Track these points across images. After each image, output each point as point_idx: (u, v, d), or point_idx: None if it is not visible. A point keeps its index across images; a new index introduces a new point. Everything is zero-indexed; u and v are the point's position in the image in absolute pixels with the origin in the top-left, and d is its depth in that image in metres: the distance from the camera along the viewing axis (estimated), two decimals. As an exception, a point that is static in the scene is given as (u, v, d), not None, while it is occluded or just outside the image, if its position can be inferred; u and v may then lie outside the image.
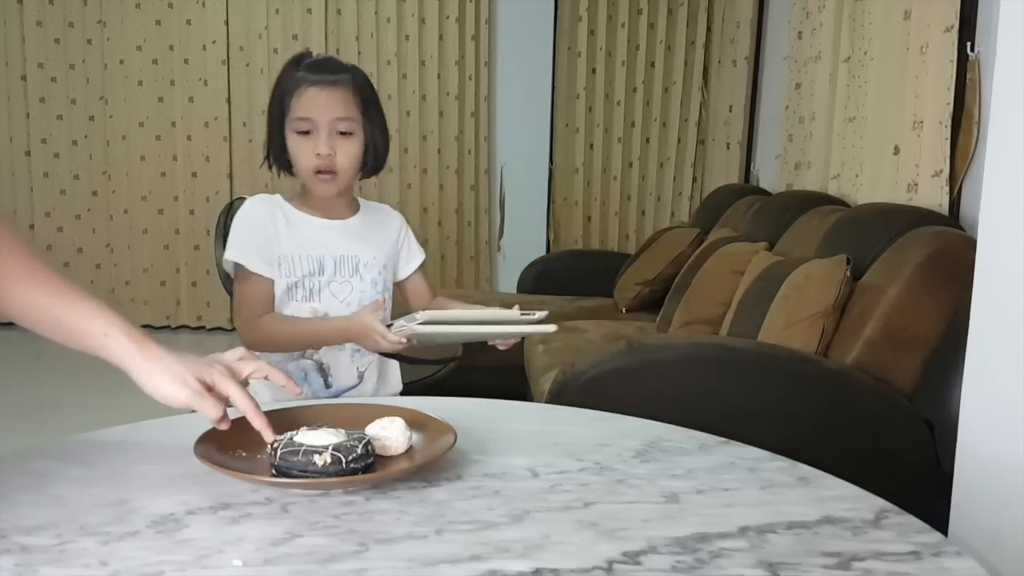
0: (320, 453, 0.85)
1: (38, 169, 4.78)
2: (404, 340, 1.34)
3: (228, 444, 0.93)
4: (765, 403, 1.90)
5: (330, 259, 1.49)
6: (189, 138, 4.78)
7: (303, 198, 1.52)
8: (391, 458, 0.92)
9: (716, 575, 0.71)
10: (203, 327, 4.92)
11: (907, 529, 0.80)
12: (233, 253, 1.44)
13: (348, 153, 1.43)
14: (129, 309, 4.89)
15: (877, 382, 1.94)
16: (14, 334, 5.74)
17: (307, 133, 1.41)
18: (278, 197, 1.52)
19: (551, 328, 1.34)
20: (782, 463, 0.97)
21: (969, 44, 2.26)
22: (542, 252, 4.74)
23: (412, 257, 1.65)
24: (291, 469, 0.86)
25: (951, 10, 2.29)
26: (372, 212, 1.60)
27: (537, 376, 2.56)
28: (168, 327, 4.92)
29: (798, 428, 1.86)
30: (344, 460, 0.85)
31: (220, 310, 4.88)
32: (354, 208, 1.57)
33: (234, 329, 4.87)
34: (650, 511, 0.84)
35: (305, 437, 0.87)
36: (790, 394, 1.93)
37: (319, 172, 1.43)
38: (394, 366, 1.57)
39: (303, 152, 1.42)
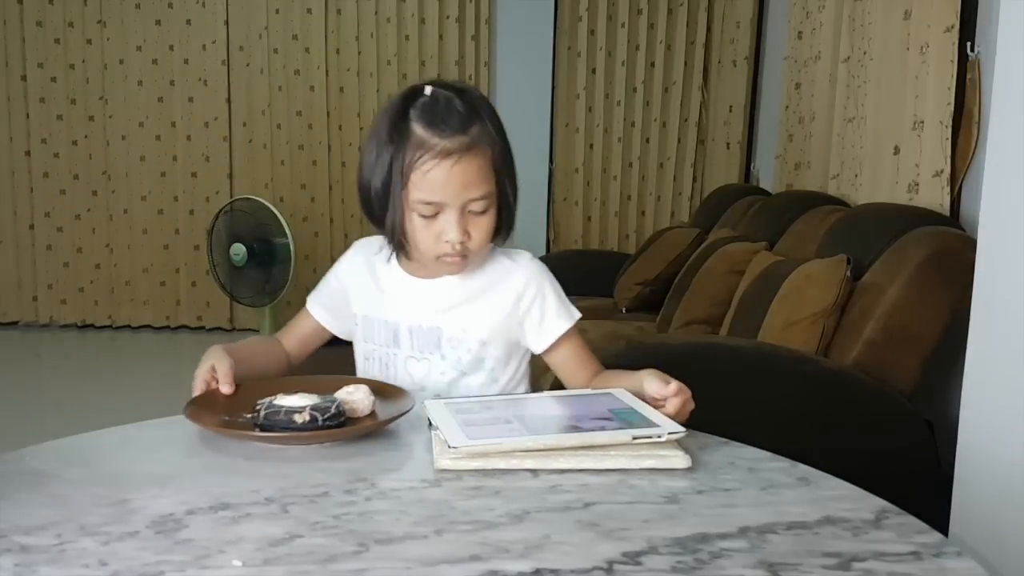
0: (299, 412, 0.99)
1: (38, 169, 4.78)
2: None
3: (215, 408, 1.06)
4: (765, 403, 1.89)
5: (404, 328, 1.24)
6: (189, 138, 4.78)
7: None
8: (359, 418, 1.05)
9: (716, 575, 0.71)
10: (203, 327, 4.91)
11: (907, 529, 0.80)
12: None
13: (482, 232, 1.17)
14: (129, 309, 4.90)
15: (877, 382, 1.94)
16: (14, 334, 5.69)
17: (433, 216, 1.15)
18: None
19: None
20: (782, 463, 0.97)
21: (969, 44, 2.26)
22: (542, 252, 4.74)
23: (547, 326, 1.28)
24: (274, 427, 0.99)
25: (951, 10, 2.29)
26: (492, 267, 1.26)
27: (537, 376, 2.56)
28: (168, 327, 4.92)
29: (798, 428, 1.86)
30: (320, 418, 0.99)
31: (219, 310, 4.88)
32: (476, 263, 1.25)
33: (233, 329, 4.90)
34: (650, 511, 0.84)
35: (284, 400, 1.01)
36: (790, 394, 1.93)
37: (445, 255, 1.17)
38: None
39: (426, 236, 1.16)
